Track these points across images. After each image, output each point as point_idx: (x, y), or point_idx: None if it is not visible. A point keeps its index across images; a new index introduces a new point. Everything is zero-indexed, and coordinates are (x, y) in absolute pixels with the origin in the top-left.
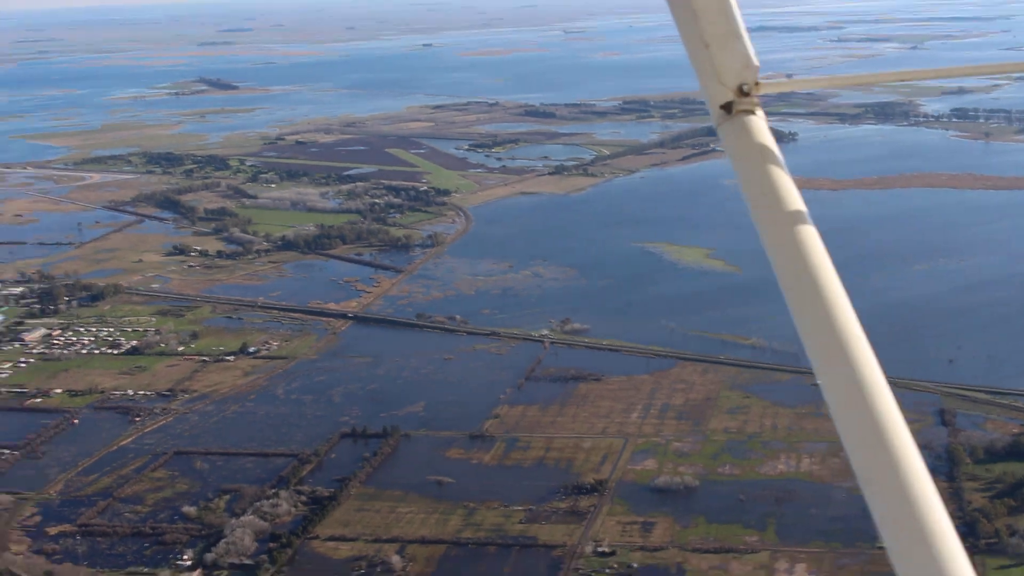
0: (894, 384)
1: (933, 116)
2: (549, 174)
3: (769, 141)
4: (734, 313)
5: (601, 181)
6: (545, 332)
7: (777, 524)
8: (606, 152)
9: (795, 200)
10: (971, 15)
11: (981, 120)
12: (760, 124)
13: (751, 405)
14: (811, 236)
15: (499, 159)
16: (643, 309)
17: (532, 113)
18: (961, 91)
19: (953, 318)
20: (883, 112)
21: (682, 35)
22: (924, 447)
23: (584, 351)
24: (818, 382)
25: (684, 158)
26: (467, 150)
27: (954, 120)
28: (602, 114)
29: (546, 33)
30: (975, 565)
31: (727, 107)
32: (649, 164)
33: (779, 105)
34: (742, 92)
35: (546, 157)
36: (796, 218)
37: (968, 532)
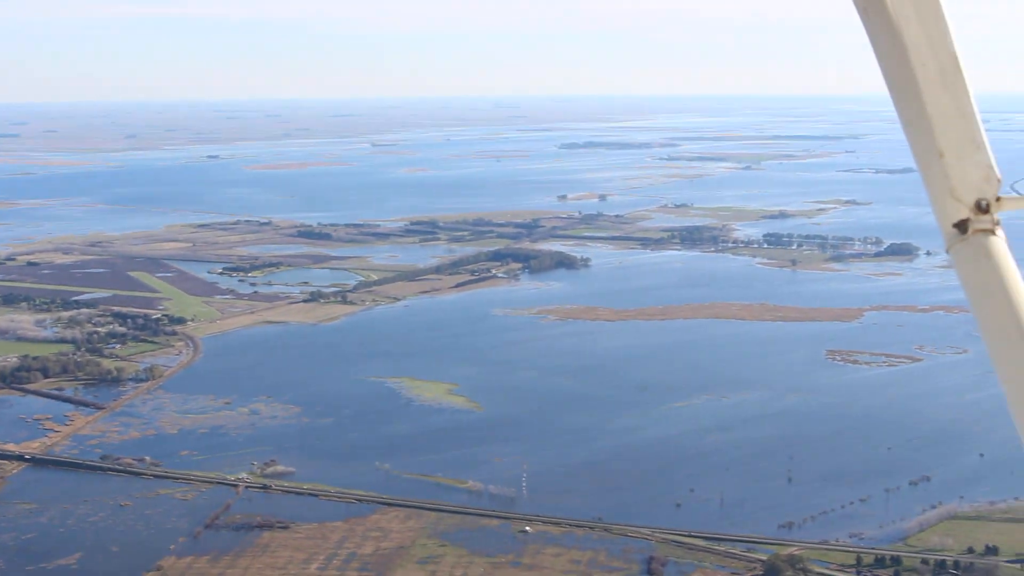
0: (605, 530)
1: (743, 242)
2: (303, 301)
3: (1013, 267)
4: (461, 454)
5: (360, 309)
6: (243, 475)
7: None
8: (374, 277)
9: None
10: (820, 134)
11: (793, 247)
12: (1001, 246)
13: (446, 554)
14: None
15: (253, 284)
16: (360, 450)
17: (306, 234)
18: (783, 215)
19: (696, 459)
20: (691, 237)
21: (911, 140)
22: None
23: (281, 496)
24: None
25: (458, 285)
26: (220, 274)
27: (764, 246)
28: (384, 236)
29: (353, 145)
30: None
31: (961, 226)
32: (418, 291)
33: (582, 228)
34: (980, 209)
35: (306, 283)
36: None
37: None
